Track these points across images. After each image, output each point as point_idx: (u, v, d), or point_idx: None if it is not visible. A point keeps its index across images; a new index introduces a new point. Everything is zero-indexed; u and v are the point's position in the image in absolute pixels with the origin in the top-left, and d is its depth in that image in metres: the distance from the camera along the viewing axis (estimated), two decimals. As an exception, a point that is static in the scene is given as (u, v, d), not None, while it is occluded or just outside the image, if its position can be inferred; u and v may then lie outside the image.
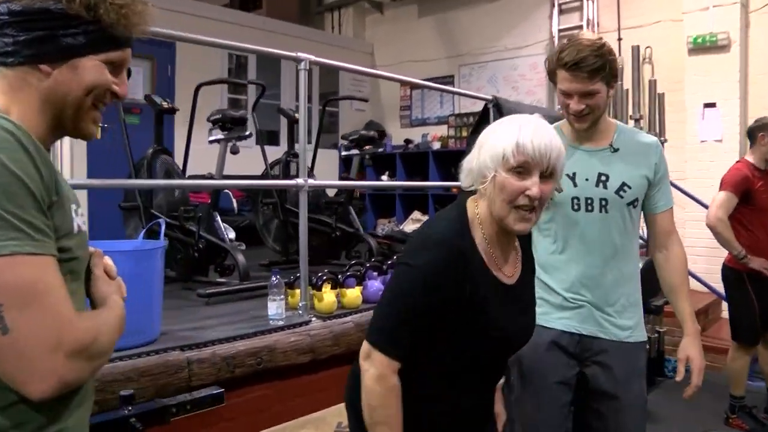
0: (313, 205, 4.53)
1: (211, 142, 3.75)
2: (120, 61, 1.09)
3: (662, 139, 5.11)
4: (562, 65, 1.97)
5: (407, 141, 8.45)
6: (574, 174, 2.05)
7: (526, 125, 1.44)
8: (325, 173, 6.67)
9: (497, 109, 4.07)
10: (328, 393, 2.77)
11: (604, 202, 2.03)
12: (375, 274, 3.37)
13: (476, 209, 1.51)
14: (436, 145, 7.99)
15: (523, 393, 2.08)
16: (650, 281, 2.38)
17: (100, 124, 1.17)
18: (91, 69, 1.04)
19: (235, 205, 6.89)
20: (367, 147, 4.65)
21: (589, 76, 1.95)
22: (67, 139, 5.98)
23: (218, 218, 3.76)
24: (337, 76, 8.30)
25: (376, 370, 1.43)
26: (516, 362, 2.09)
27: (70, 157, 6.03)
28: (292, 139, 4.91)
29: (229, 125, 3.62)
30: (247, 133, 3.65)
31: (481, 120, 4.18)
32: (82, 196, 5.76)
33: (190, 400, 1.96)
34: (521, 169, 1.42)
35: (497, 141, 1.44)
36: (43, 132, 1.02)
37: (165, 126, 4.29)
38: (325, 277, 3.04)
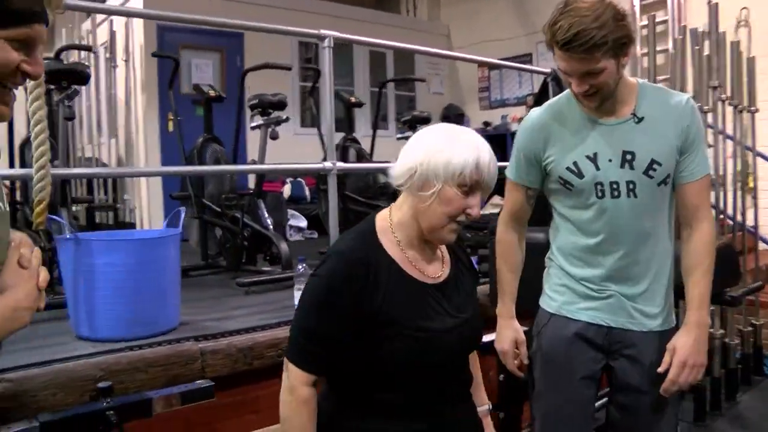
0: (364, 189, 4.39)
1: (252, 128, 3.68)
2: (28, 39, 0.95)
3: (752, 108, 4.55)
4: (555, 43, 1.66)
5: (486, 123, 8.18)
6: (595, 155, 1.76)
7: (483, 145, 1.42)
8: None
9: (557, 83, 3.77)
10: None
11: (631, 185, 1.74)
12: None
13: (390, 217, 1.50)
14: (515, 127, 7.66)
15: (543, 388, 1.90)
16: (723, 270, 2.13)
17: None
18: None
19: (307, 193, 6.87)
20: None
21: (587, 54, 1.62)
22: (141, 130, 6.22)
23: (262, 206, 3.67)
24: (412, 59, 8.12)
25: (288, 381, 1.43)
26: (537, 355, 1.91)
27: (144, 148, 6.23)
28: (350, 124, 4.78)
29: (269, 110, 3.52)
30: (284, 117, 3.54)
31: (541, 96, 3.88)
32: (156, 184, 5.91)
33: (176, 394, 1.85)
34: (469, 189, 1.40)
35: (454, 155, 1.38)
36: None
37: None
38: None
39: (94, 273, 2.30)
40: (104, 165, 6.43)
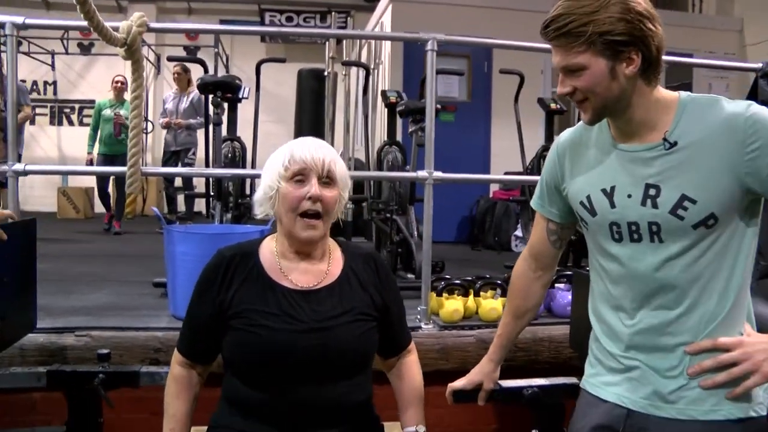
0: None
1: (409, 133, 3.70)
2: None
3: None
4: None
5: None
6: (612, 189, 1.41)
7: (298, 141, 1.59)
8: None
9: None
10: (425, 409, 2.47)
11: (655, 228, 1.35)
12: (564, 282, 2.86)
13: (275, 237, 1.65)
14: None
15: None
16: None
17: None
18: None
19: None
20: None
21: (562, 42, 1.32)
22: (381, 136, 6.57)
23: (413, 214, 3.67)
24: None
25: (172, 360, 1.66)
26: None
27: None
28: (550, 131, 4.48)
29: (418, 116, 3.51)
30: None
31: (750, 97, 3.15)
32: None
33: (158, 375, 2.03)
34: (300, 177, 1.52)
35: (273, 160, 1.57)
36: None
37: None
38: (443, 283, 2.73)
39: (175, 259, 2.63)
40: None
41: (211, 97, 3.55)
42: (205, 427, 1.66)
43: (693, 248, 1.33)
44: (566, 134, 1.58)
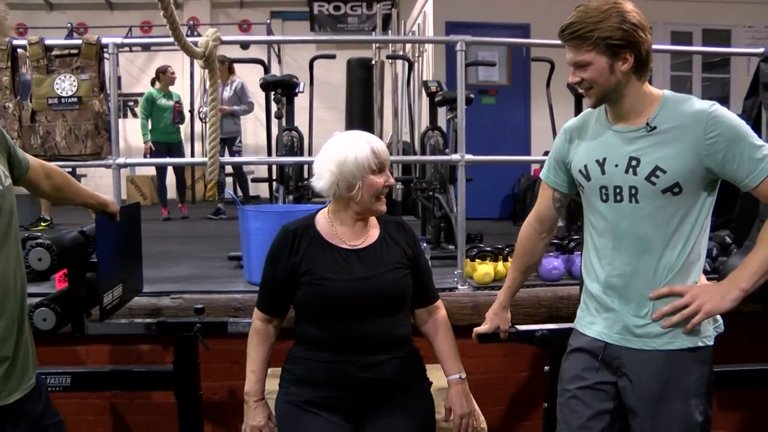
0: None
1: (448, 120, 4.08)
2: None
3: None
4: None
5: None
6: (604, 159, 1.80)
7: (368, 136, 1.98)
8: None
9: (769, 66, 3.33)
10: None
11: (633, 191, 1.75)
12: (553, 250, 3.27)
13: (329, 207, 2.06)
14: None
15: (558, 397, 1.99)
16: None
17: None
18: None
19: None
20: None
21: (575, 43, 1.72)
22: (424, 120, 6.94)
23: (452, 192, 4.09)
24: (728, 37, 7.27)
25: (253, 317, 2.10)
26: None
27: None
28: (579, 112, 4.78)
29: (454, 105, 3.89)
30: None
31: (755, 80, 3.47)
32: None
33: (242, 325, 2.54)
34: (381, 168, 1.96)
35: (358, 155, 1.92)
36: None
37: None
38: (476, 250, 3.16)
39: (249, 234, 3.14)
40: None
41: (272, 93, 4.05)
42: (279, 368, 2.11)
43: (662, 209, 1.73)
44: (572, 121, 1.99)
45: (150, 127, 7.05)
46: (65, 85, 3.08)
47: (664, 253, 1.75)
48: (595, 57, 1.70)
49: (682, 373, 1.74)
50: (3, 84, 3.11)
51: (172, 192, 7.54)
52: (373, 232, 2.06)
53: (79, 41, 3.13)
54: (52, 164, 1.98)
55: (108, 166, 3.16)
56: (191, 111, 9.77)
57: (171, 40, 2.69)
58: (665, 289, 1.74)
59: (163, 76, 7.13)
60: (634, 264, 1.77)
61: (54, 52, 3.14)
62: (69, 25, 10.49)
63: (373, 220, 2.07)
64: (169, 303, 3.03)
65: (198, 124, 10.10)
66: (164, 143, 7.04)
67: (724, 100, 7.55)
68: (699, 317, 1.69)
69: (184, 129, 9.28)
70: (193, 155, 9.84)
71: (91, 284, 2.46)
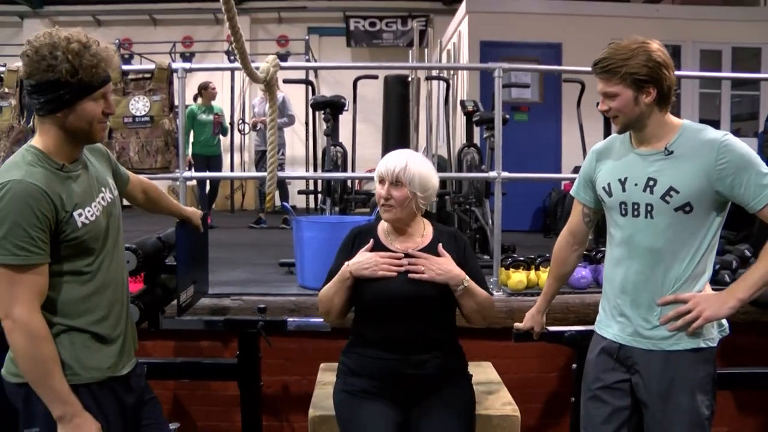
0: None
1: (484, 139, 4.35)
2: (103, 94, 1.76)
3: None
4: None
5: None
6: (626, 179, 2.04)
7: (387, 155, 2.27)
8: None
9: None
10: (494, 359, 3.16)
11: (649, 208, 1.98)
12: (582, 261, 3.51)
13: None
14: None
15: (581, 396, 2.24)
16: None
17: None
18: (87, 106, 1.72)
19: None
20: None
21: (605, 76, 1.97)
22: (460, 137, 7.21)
23: (487, 205, 4.35)
24: (758, 55, 7.41)
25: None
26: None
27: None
28: (608, 131, 5.00)
29: (491, 124, 4.16)
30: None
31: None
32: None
33: (300, 323, 2.84)
34: (381, 181, 2.22)
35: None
36: (68, 149, 1.74)
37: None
38: (510, 260, 3.42)
39: (303, 243, 3.44)
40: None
41: (322, 113, 4.38)
42: (335, 364, 2.38)
43: (673, 226, 1.97)
44: (600, 144, 2.26)
45: (192, 140, 7.38)
46: (139, 105, 3.43)
47: (673, 264, 1.98)
48: (622, 89, 1.94)
49: (686, 371, 1.97)
50: (13, 106, 3.46)
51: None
52: (425, 240, 2.29)
53: (152, 66, 3.48)
54: (147, 179, 2.29)
55: (176, 179, 3.49)
56: (231, 123, 10.16)
57: (237, 65, 3.01)
58: (671, 297, 1.98)
59: (205, 92, 7.47)
60: (646, 273, 2.01)
61: (129, 76, 3.49)
62: (117, 41, 11.00)
63: (428, 229, 2.32)
64: (230, 304, 3.35)
65: (237, 136, 10.50)
66: (203, 156, 7.39)
67: (753, 117, 7.69)
68: (699, 322, 1.93)
69: (224, 141, 9.72)
70: (232, 166, 10.23)
71: (164, 285, 2.77)
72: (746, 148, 1.94)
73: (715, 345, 2.02)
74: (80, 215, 1.69)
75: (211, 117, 7.44)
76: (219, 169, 7.76)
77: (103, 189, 1.82)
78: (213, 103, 7.62)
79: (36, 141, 1.72)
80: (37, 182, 1.61)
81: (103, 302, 1.77)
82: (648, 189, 1.98)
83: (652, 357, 2.00)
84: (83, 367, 1.71)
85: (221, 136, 7.81)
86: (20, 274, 1.58)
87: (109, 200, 1.83)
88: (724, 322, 2.04)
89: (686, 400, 1.97)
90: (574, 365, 2.71)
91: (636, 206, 2.01)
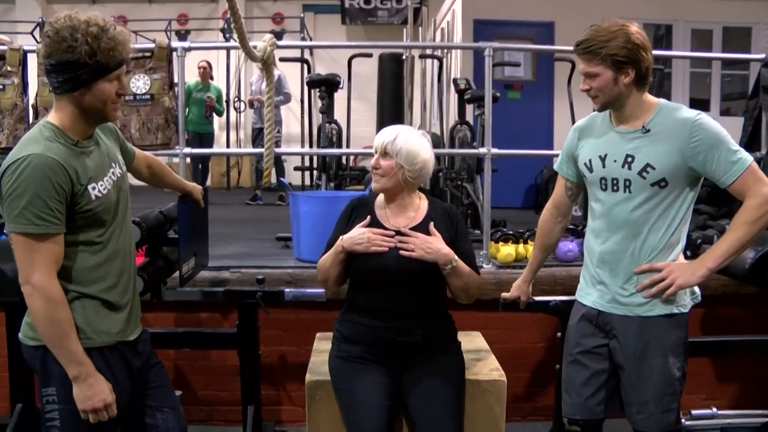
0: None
1: (475, 116, 4.44)
2: (117, 76, 1.81)
3: None
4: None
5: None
6: (605, 155, 2.15)
7: (393, 129, 2.35)
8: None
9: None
10: (484, 330, 3.28)
11: (627, 183, 2.10)
12: (569, 235, 3.63)
13: None
14: None
15: (562, 361, 2.38)
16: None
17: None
18: (103, 87, 1.78)
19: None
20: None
21: (586, 57, 2.08)
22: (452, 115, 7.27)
23: (478, 181, 4.46)
24: (749, 35, 7.49)
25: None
26: None
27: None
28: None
29: (482, 102, 4.25)
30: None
31: (756, 83, 3.78)
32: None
33: (297, 293, 2.96)
34: (374, 151, 2.33)
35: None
36: (82, 126, 1.86)
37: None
38: (499, 233, 3.54)
39: (299, 217, 3.55)
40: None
41: (317, 90, 4.47)
42: (330, 333, 2.50)
43: (650, 200, 2.09)
44: (581, 122, 2.37)
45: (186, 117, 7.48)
46: (139, 83, 3.50)
47: (649, 236, 2.11)
48: (602, 70, 2.06)
49: (660, 335, 2.11)
50: (16, 84, 3.53)
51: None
52: (418, 215, 2.38)
53: (152, 45, 3.55)
54: (151, 155, 2.39)
55: (176, 155, 3.59)
56: (227, 101, 10.21)
57: (235, 45, 3.09)
58: (646, 266, 2.11)
59: (199, 69, 7.60)
60: (623, 243, 2.14)
61: (130, 55, 3.55)
62: (112, 18, 10.94)
63: (422, 203, 2.41)
64: (229, 276, 3.46)
65: (233, 114, 10.56)
66: (196, 133, 7.54)
67: (743, 96, 7.77)
68: (672, 289, 2.06)
69: (221, 119, 9.77)
70: (228, 144, 10.30)
71: (166, 257, 2.88)
72: (718, 127, 2.05)
73: (687, 311, 2.15)
74: (94, 189, 1.80)
75: (204, 97, 7.52)
76: (210, 146, 7.86)
77: (113, 164, 1.92)
78: (213, 83, 7.70)
79: (52, 117, 1.82)
80: (55, 156, 1.71)
81: (113, 271, 1.89)
82: (626, 165, 2.10)
83: (628, 322, 2.14)
84: (95, 332, 1.83)
85: (216, 116, 7.90)
86: (39, 242, 1.69)
87: (119, 175, 1.94)
88: (697, 289, 2.17)
89: (659, 362, 2.11)
90: (559, 333, 2.84)
91: (615, 181, 2.13)
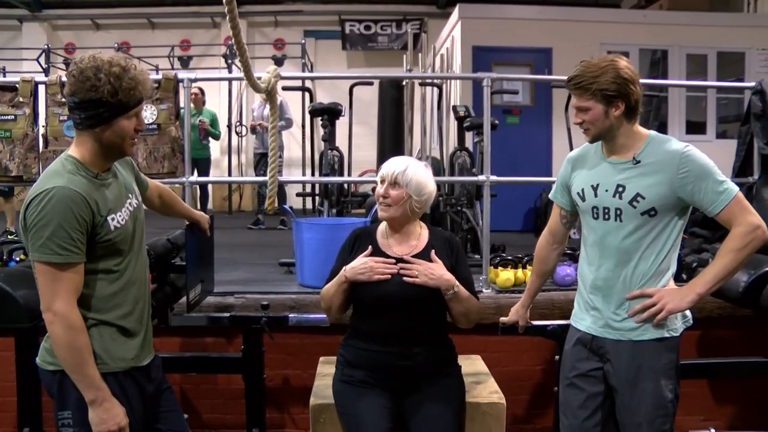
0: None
1: (474, 143, 4.54)
2: (136, 113, 1.91)
3: None
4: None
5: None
6: (597, 185, 2.23)
7: (399, 160, 2.43)
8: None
9: (761, 96, 3.74)
10: (484, 353, 3.35)
11: (618, 212, 2.18)
12: (567, 260, 3.71)
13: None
14: None
15: (559, 384, 2.45)
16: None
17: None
18: (122, 123, 1.88)
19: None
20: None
21: (577, 92, 2.17)
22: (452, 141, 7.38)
23: (478, 207, 4.54)
24: (742, 60, 7.62)
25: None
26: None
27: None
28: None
29: (481, 130, 4.35)
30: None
31: (748, 110, 3.88)
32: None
33: (301, 318, 3.02)
34: (382, 181, 2.40)
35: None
36: (101, 160, 1.94)
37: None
38: (498, 258, 3.62)
39: (303, 243, 3.63)
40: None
41: (320, 119, 4.58)
42: (334, 357, 2.56)
43: (640, 228, 2.17)
44: (574, 152, 2.46)
45: None
46: (147, 114, 3.60)
47: (640, 262, 2.18)
48: (593, 104, 2.15)
49: (651, 358, 2.18)
50: (27, 115, 3.63)
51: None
52: (420, 244, 2.46)
53: (160, 76, 3.65)
54: (162, 184, 2.48)
55: (182, 184, 3.68)
56: (229, 126, 10.33)
57: (240, 75, 3.19)
58: (638, 292, 2.19)
59: (194, 98, 7.66)
60: (615, 270, 2.21)
61: (148, 94, 3.66)
62: (115, 45, 11.16)
63: (423, 232, 2.50)
64: (234, 301, 3.53)
65: (234, 139, 10.68)
66: (192, 158, 7.55)
67: (739, 119, 7.88)
68: (662, 314, 2.13)
69: (221, 143, 9.89)
70: (230, 168, 10.41)
71: (173, 284, 2.96)
72: (705, 158, 2.14)
73: (679, 335, 2.22)
74: (113, 219, 1.89)
75: (196, 121, 7.63)
76: (207, 171, 7.94)
77: (130, 195, 2.01)
78: (206, 108, 7.82)
79: (73, 151, 1.92)
80: (77, 189, 1.81)
81: (129, 298, 1.97)
82: (617, 195, 2.18)
83: (621, 346, 2.20)
84: (111, 357, 1.90)
85: (212, 140, 8.00)
86: (61, 271, 1.77)
87: (135, 206, 2.02)
88: (688, 313, 2.24)
89: (651, 384, 2.17)
90: (557, 357, 2.90)
91: (606, 210, 2.21)
